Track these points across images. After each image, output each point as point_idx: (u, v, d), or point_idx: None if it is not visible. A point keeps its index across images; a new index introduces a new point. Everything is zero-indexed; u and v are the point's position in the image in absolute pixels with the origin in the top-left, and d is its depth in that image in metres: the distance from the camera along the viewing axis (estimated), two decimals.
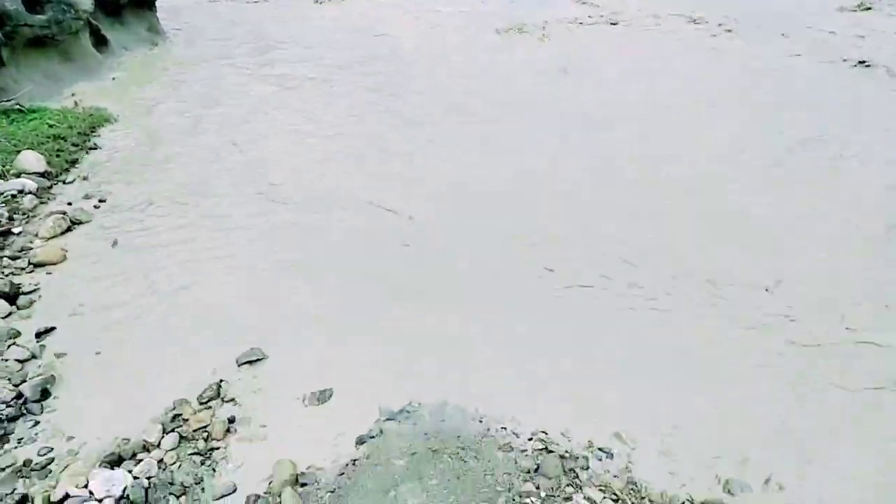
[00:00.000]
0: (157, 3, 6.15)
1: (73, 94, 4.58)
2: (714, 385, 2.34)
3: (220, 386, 2.22)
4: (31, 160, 3.49)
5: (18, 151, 3.54)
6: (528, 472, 2.01)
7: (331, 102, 4.56)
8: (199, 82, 5.01)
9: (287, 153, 3.86)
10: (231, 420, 2.09)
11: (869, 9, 5.58)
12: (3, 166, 3.41)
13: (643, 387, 2.33)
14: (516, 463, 2.03)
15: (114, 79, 4.98)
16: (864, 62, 4.79)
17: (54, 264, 2.86)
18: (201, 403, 2.15)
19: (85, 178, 3.55)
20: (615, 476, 2.02)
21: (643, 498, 1.95)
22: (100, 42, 5.40)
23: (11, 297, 2.61)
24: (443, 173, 3.65)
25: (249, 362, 2.31)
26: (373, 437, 2.08)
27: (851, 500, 1.97)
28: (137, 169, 3.66)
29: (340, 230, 3.14)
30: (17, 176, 3.39)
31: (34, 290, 2.69)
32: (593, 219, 3.23)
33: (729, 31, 5.49)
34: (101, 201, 3.35)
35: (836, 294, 2.73)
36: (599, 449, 2.12)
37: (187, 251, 2.96)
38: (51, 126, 3.88)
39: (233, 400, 2.18)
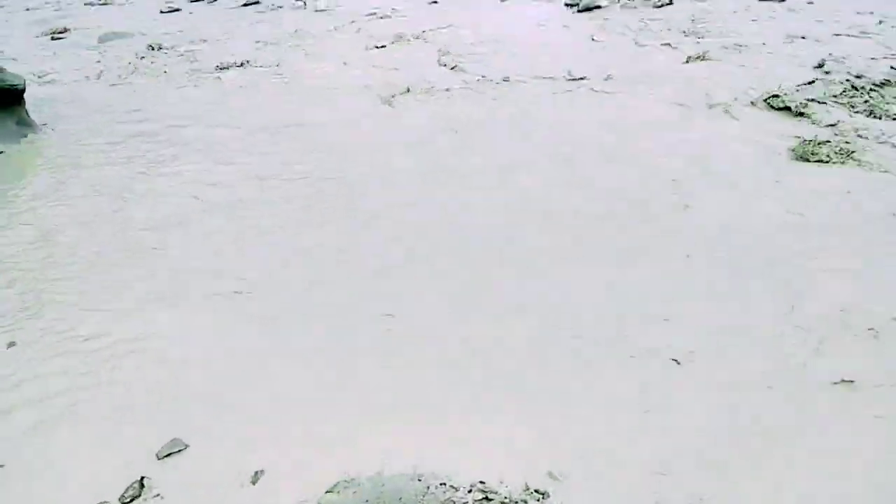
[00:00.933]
0: (25, 95, 5.90)
1: None
2: (636, 404, 2.49)
3: (143, 484, 2.10)
4: None
5: None
6: None
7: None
8: (79, 170, 4.81)
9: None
10: None
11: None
12: None
13: (569, 416, 2.43)
14: None
15: None
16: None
17: None
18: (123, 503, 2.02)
19: None
20: None
21: None
22: None
23: None
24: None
25: (170, 454, 2.20)
26: None
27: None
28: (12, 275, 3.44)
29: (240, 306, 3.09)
30: None
31: None
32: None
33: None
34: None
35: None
36: (536, 491, 2.18)
37: (93, 340, 2.79)
38: None
39: (158, 495, 2.07)
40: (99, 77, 7.81)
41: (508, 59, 7.03)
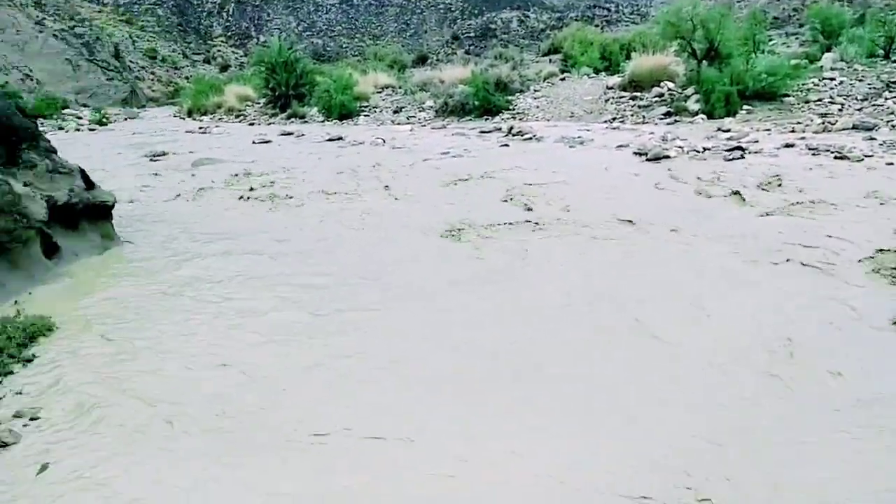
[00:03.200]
0: (114, 212, 6.29)
1: (15, 303, 4.42)
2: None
3: None
4: None
5: None
6: None
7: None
8: (149, 285, 4.94)
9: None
10: None
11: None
12: None
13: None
14: None
15: (61, 287, 4.88)
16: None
17: None
18: None
19: (18, 394, 3.28)
20: None
21: None
22: (50, 249, 5.37)
23: None
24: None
25: None
26: None
27: None
28: (74, 383, 3.42)
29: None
30: None
31: None
32: None
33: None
34: (32, 419, 3.06)
35: None
36: None
37: (136, 478, 2.65)
38: None
39: None
40: (186, 199, 8.31)
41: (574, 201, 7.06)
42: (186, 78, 40.48)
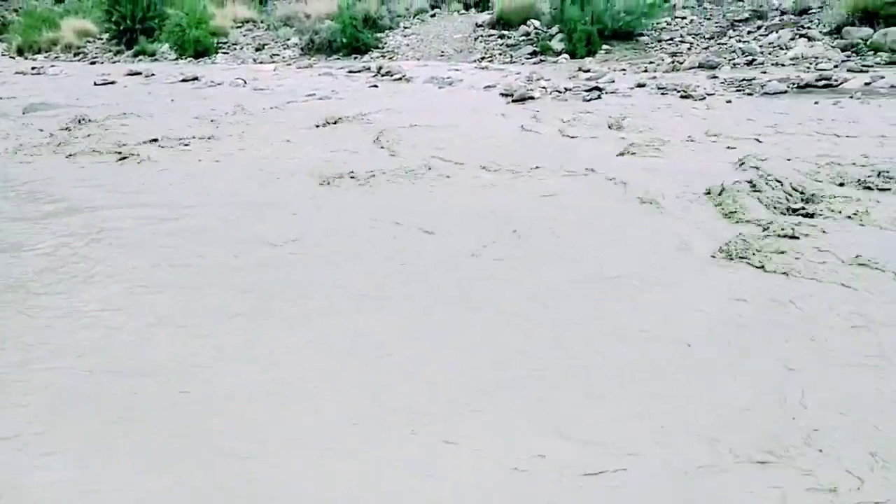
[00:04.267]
0: None
1: None
2: None
3: None
4: None
5: None
6: None
7: None
8: None
9: None
10: None
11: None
12: None
13: None
14: None
15: None
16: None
17: None
18: None
19: None
20: None
21: None
22: None
23: None
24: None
25: None
26: None
27: None
28: None
29: None
30: None
31: None
32: None
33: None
34: None
35: None
36: None
37: None
38: None
39: None
40: (16, 150, 7.42)
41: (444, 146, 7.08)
42: (16, 10, 35.69)
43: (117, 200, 5.53)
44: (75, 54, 20.47)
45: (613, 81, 10.48)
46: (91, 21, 22.16)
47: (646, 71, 11.91)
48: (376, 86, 11.85)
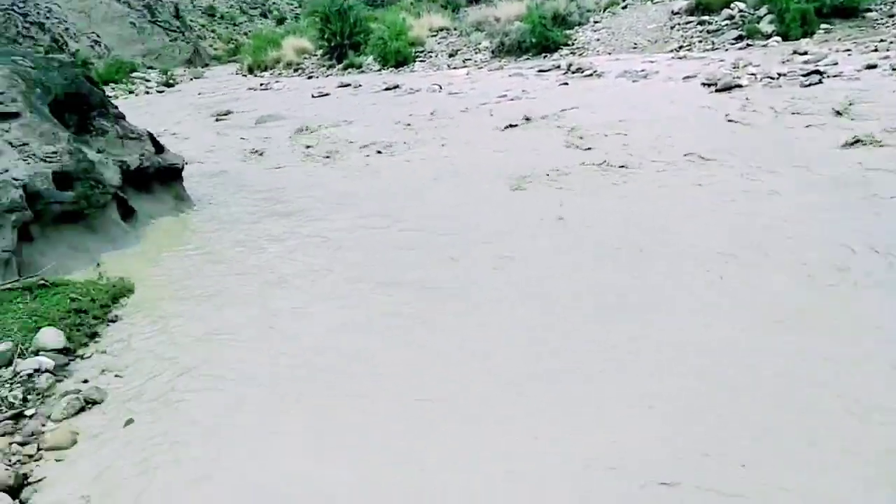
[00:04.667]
0: (183, 173, 6.51)
1: (97, 266, 4.70)
2: None
3: None
4: (51, 336, 3.48)
5: (39, 328, 3.55)
6: None
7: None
8: (222, 244, 5.15)
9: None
10: None
11: None
12: (22, 344, 3.40)
13: None
14: None
15: (139, 249, 5.16)
16: None
17: (65, 449, 2.75)
18: None
19: (103, 353, 3.52)
20: None
21: None
22: (127, 213, 5.64)
23: (16, 489, 2.47)
24: None
25: None
26: None
27: None
28: (155, 342, 3.64)
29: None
30: (36, 353, 3.37)
31: (41, 481, 2.55)
32: None
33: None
34: (116, 376, 3.29)
35: None
36: None
37: (210, 430, 2.83)
38: (73, 300, 3.93)
39: None
40: (251, 157, 8.51)
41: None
42: (245, 33, 40.73)
43: (335, 201, 6.12)
44: (295, 70, 22.90)
45: (836, 64, 9.29)
46: (307, 39, 24.64)
47: (875, 50, 10.38)
48: (567, 83, 11.72)
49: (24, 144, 5.09)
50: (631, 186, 5.57)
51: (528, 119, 8.57)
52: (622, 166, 6.09)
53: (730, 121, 7.25)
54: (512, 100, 10.54)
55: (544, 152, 6.97)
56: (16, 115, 5.22)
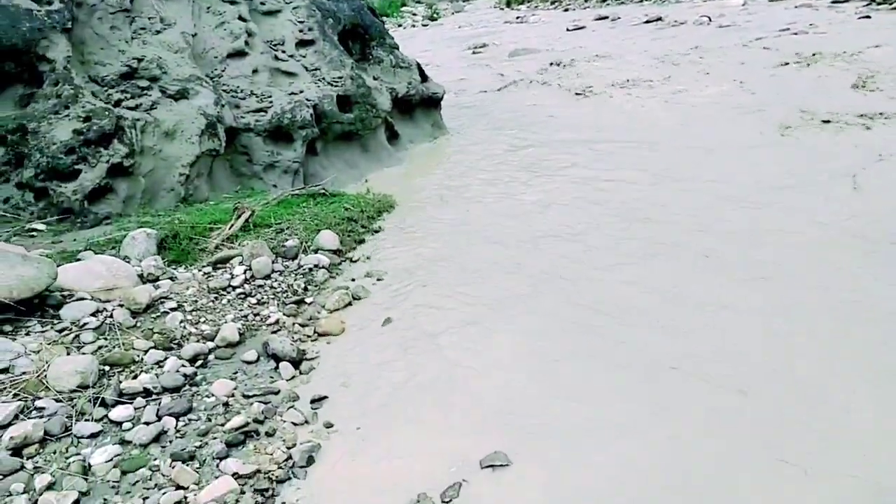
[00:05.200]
0: (441, 102, 6.89)
1: (366, 181, 5.25)
2: None
3: (461, 486, 2.20)
4: (328, 238, 4.01)
5: (319, 230, 4.11)
6: None
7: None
8: (475, 172, 5.41)
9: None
10: None
11: None
12: (306, 242, 3.97)
13: None
14: None
15: (402, 169, 5.66)
16: None
17: (334, 335, 3.19)
18: (443, 502, 2.15)
19: (368, 258, 3.97)
20: None
21: None
22: (392, 136, 6.17)
23: (297, 362, 2.95)
24: None
25: (492, 466, 2.27)
26: None
27: None
28: (412, 253, 3.99)
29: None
30: (315, 251, 3.91)
31: (315, 358, 3.01)
32: None
33: None
34: (378, 280, 3.70)
35: None
36: None
37: (459, 336, 3.07)
38: (346, 209, 4.45)
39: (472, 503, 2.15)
40: (503, 90, 8.68)
41: None
42: None
43: (583, 139, 6.03)
44: (552, 3, 22.54)
45: None
46: None
47: None
48: (869, 16, 9.90)
49: (316, 69, 5.78)
50: None
51: (814, 56, 7.45)
52: None
53: None
54: (796, 34, 9.23)
55: (829, 95, 6.03)
56: (311, 43, 5.92)
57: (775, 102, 6.08)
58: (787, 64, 7.42)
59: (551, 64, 9.81)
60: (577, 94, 7.80)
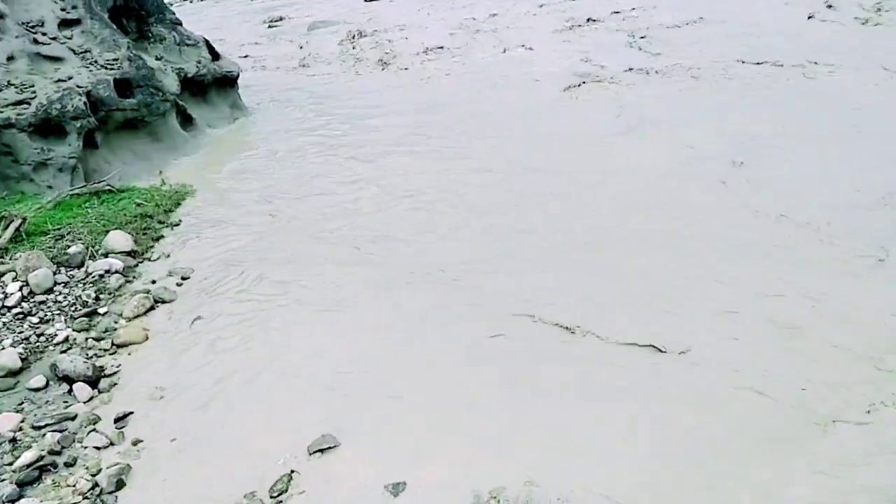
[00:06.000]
0: (238, 81, 6.49)
1: (160, 172, 4.81)
2: None
3: (291, 478, 2.14)
4: (119, 240, 3.64)
5: (107, 231, 3.71)
6: None
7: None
8: (277, 156, 5.19)
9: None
10: None
11: None
12: (93, 247, 3.57)
13: None
14: None
15: (199, 156, 5.26)
16: None
17: (136, 344, 2.92)
18: (272, 497, 2.08)
19: (168, 256, 3.66)
20: None
21: None
22: (186, 121, 5.70)
23: (94, 380, 2.65)
24: None
25: (320, 451, 2.23)
26: None
27: None
28: (216, 245, 3.75)
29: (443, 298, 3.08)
30: (105, 256, 3.53)
31: (115, 373, 2.73)
32: None
33: None
34: (184, 278, 3.43)
35: None
36: None
37: (269, 328, 2.95)
38: (138, 205, 4.06)
39: (304, 492, 2.10)
40: (303, 65, 8.40)
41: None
42: None
43: (384, 108, 6.03)
44: None
45: None
46: None
47: None
48: None
49: (86, 52, 5.14)
50: None
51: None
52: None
53: None
54: None
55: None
56: (77, 22, 5.25)
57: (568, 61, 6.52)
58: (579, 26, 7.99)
59: (353, 36, 9.67)
60: (380, 61, 7.78)
